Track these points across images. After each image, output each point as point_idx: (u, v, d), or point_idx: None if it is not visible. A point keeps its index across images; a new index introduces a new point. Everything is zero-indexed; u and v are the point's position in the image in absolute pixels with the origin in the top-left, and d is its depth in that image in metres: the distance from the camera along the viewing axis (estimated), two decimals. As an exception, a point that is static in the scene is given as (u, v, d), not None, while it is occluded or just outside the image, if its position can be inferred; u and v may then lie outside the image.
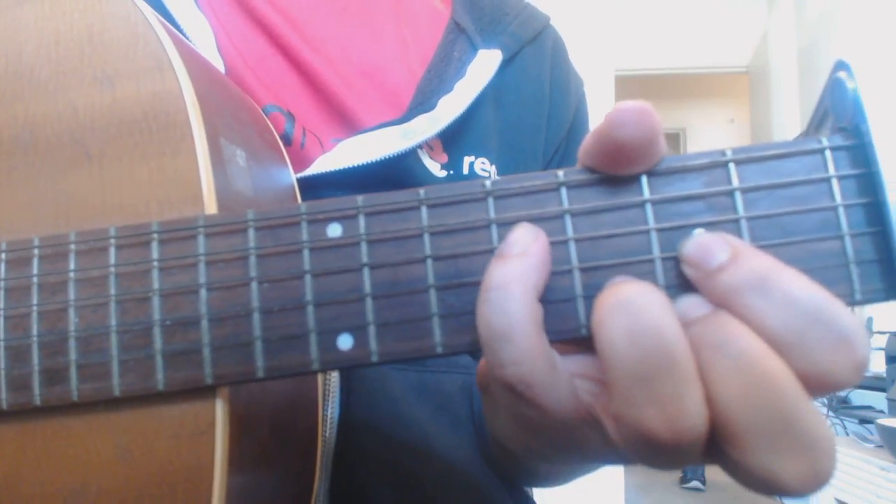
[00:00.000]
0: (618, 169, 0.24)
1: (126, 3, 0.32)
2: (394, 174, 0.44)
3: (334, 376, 0.39)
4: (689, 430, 0.21)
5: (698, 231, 0.23)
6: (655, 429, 0.21)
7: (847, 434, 2.44)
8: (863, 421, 2.37)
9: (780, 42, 3.52)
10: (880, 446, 2.06)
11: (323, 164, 0.43)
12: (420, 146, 0.46)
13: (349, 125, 0.47)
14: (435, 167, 0.48)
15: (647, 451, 0.22)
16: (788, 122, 3.39)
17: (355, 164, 0.43)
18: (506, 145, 0.53)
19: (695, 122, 5.54)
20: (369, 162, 0.43)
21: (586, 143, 0.24)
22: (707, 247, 0.22)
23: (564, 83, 0.59)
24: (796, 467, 0.20)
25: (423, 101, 0.48)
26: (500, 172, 0.51)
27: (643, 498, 3.33)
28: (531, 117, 0.55)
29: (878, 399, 2.37)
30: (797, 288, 0.21)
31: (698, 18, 4.08)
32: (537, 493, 0.56)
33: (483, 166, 0.50)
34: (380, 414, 0.41)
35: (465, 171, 0.49)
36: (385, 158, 0.43)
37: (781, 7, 3.51)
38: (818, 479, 0.21)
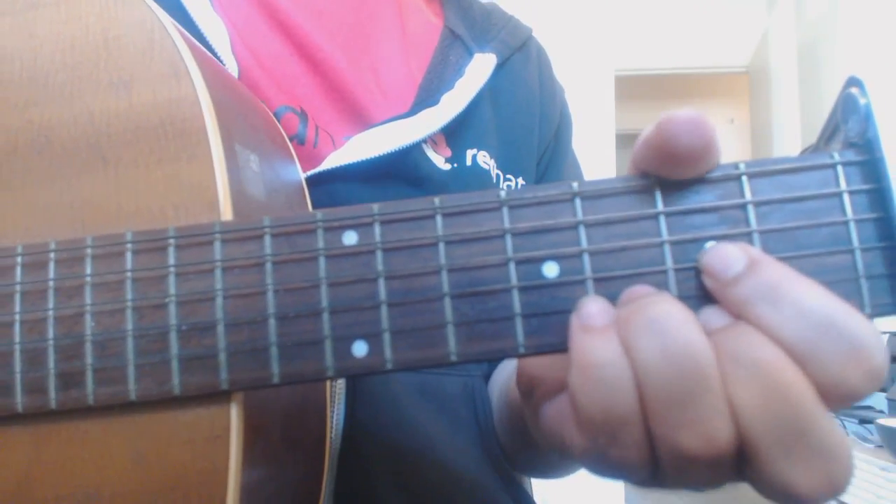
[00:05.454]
0: (674, 175, 0.25)
1: (142, 8, 0.32)
2: (400, 167, 0.46)
3: (340, 380, 0.40)
4: (723, 445, 0.21)
5: (714, 242, 0.24)
6: (693, 448, 0.21)
7: (847, 434, 2.44)
8: (863, 421, 2.38)
9: (780, 42, 3.52)
10: (880, 446, 2.06)
11: (333, 159, 0.44)
12: (425, 140, 0.48)
13: (362, 122, 0.48)
14: (439, 160, 0.49)
15: (684, 469, 0.22)
16: (788, 123, 3.39)
17: (364, 159, 0.44)
18: (503, 141, 0.55)
19: (695, 122, 5.51)
20: (377, 156, 0.44)
21: (639, 151, 0.25)
22: (724, 256, 0.23)
23: (551, 89, 0.62)
24: (812, 476, 0.21)
25: (426, 98, 0.49)
26: (499, 165, 0.53)
27: (643, 497, 3.33)
28: (524, 117, 0.57)
29: (878, 399, 2.37)
30: (809, 298, 0.21)
31: (698, 18, 4.07)
32: (538, 494, 0.57)
33: (484, 159, 0.52)
34: (383, 415, 0.42)
35: (469, 162, 0.51)
36: (392, 152, 0.44)
37: (781, 7, 3.51)
38: (833, 488, 0.21)
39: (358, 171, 0.44)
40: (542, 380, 0.26)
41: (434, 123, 0.47)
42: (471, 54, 0.54)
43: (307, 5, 0.50)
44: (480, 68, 0.53)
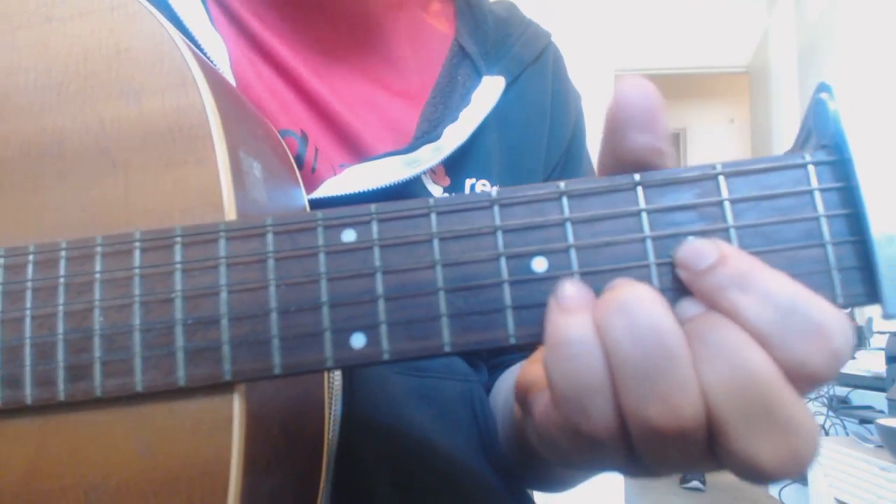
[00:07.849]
0: (629, 138, 0.26)
1: (152, 22, 0.33)
2: (398, 198, 0.45)
3: (337, 378, 0.40)
4: (689, 419, 0.22)
5: (690, 238, 0.25)
6: (660, 421, 0.22)
7: (847, 434, 2.45)
8: (863, 421, 2.38)
9: (780, 42, 3.53)
10: (880, 446, 2.06)
11: (330, 187, 0.44)
12: (424, 172, 0.47)
13: (357, 151, 0.48)
14: (437, 191, 0.49)
15: (655, 445, 0.23)
16: (788, 122, 3.40)
17: (362, 190, 0.44)
18: (507, 165, 0.54)
19: (695, 122, 5.54)
20: (375, 188, 0.44)
21: (606, 123, 0.26)
22: (698, 250, 0.24)
23: (564, 99, 0.60)
24: (776, 451, 0.22)
25: (428, 130, 0.49)
26: None
27: (643, 498, 3.34)
28: (532, 136, 0.56)
29: (878, 399, 2.37)
30: (775, 285, 0.23)
31: (698, 18, 4.08)
32: (538, 494, 0.58)
33: (484, 187, 0.51)
34: (382, 415, 0.42)
35: (467, 192, 0.50)
36: (390, 185, 0.44)
37: (781, 7, 3.52)
38: (798, 463, 0.22)
39: (355, 202, 0.43)
40: (536, 384, 0.28)
41: (433, 158, 0.47)
42: (479, 76, 0.53)
43: (292, 35, 0.49)
44: (487, 94, 0.52)
